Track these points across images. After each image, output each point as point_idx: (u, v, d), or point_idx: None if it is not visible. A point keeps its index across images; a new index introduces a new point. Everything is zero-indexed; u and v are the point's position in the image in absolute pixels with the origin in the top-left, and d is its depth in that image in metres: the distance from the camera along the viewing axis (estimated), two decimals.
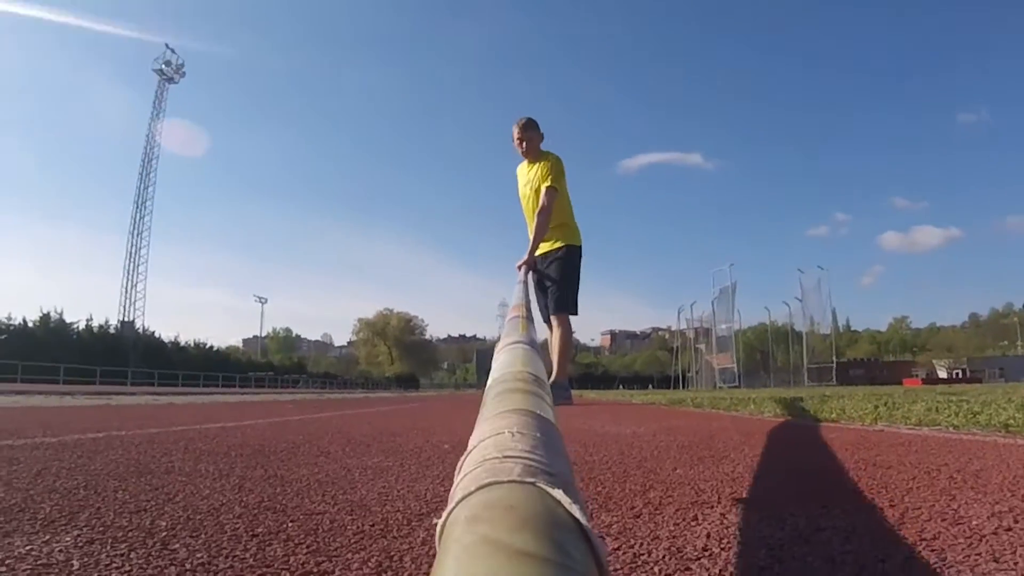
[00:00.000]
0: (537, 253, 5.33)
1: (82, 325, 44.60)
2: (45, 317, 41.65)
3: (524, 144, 5.26)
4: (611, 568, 0.75)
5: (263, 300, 74.38)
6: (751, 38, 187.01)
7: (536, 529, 0.29)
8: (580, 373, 78.55)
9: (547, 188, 5.11)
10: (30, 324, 40.42)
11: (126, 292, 49.14)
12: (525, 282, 2.47)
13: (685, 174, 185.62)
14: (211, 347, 56.89)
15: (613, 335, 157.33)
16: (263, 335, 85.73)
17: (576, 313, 5.49)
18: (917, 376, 49.50)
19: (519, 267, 5.06)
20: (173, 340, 51.96)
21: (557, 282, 5.35)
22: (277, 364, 65.27)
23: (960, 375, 50.78)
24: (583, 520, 0.32)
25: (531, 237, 5.23)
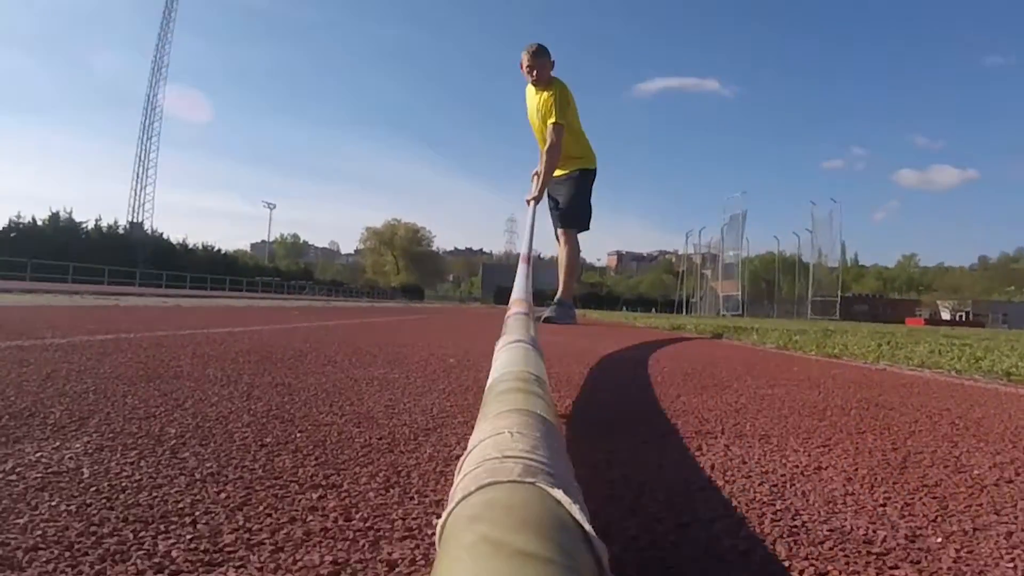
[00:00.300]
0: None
1: (91, 225, 44.72)
2: (54, 216, 41.71)
3: (535, 72, 5.16)
4: (621, 496, 0.76)
5: (271, 206, 74.34)
6: None
7: (536, 529, 0.29)
8: (584, 292, 79.09)
9: (554, 125, 5.06)
10: (39, 223, 40.53)
11: (135, 194, 49.15)
12: (527, 273, 2.43)
13: (701, 100, 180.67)
14: (219, 250, 57.14)
15: (620, 256, 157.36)
16: (271, 240, 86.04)
17: (587, 228, 5.51)
18: (920, 316, 49.70)
19: (528, 201, 5.03)
20: (181, 242, 52.17)
21: (566, 201, 5.35)
22: (284, 270, 65.75)
23: (963, 318, 50.93)
24: (583, 520, 0.32)
25: (541, 170, 5.19)
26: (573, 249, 5.45)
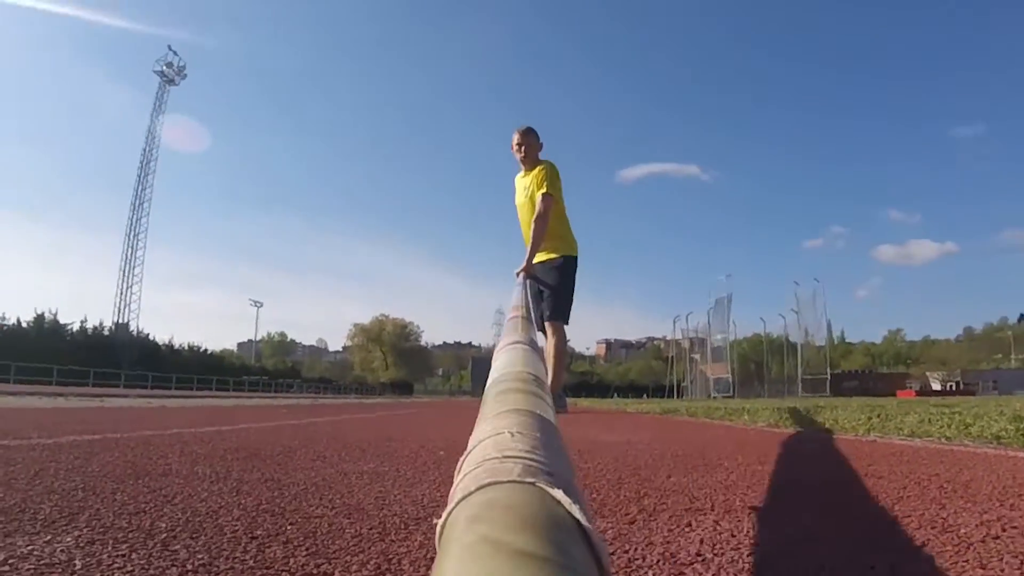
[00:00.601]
0: (535, 261, 5.36)
1: (76, 327, 44.42)
2: (39, 318, 41.45)
3: (523, 149, 5.30)
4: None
5: (258, 304, 74.20)
6: (748, 51, 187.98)
7: (536, 529, 0.29)
8: (575, 382, 78.51)
9: (543, 195, 5.14)
10: (24, 325, 40.22)
11: (121, 294, 49.01)
12: (524, 285, 2.48)
13: (683, 185, 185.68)
14: (205, 350, 56.66)
15: (608, 344, 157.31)
16: (257, 339, 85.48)
17: (567, 323, 5.52)
18: (911, 388, 49.64)
19: (517, 274, 5.08)
20: (167, 343, 51.77)
21: (554, 291, 5.38)
22: (271, 368, 65.07)
23: (954, 388, 50.91)
24: (583, 520, 0.31)
25: (528, 245, 5.25)
26: (561, 340, 5.46)
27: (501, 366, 0.80)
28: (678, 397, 39.21)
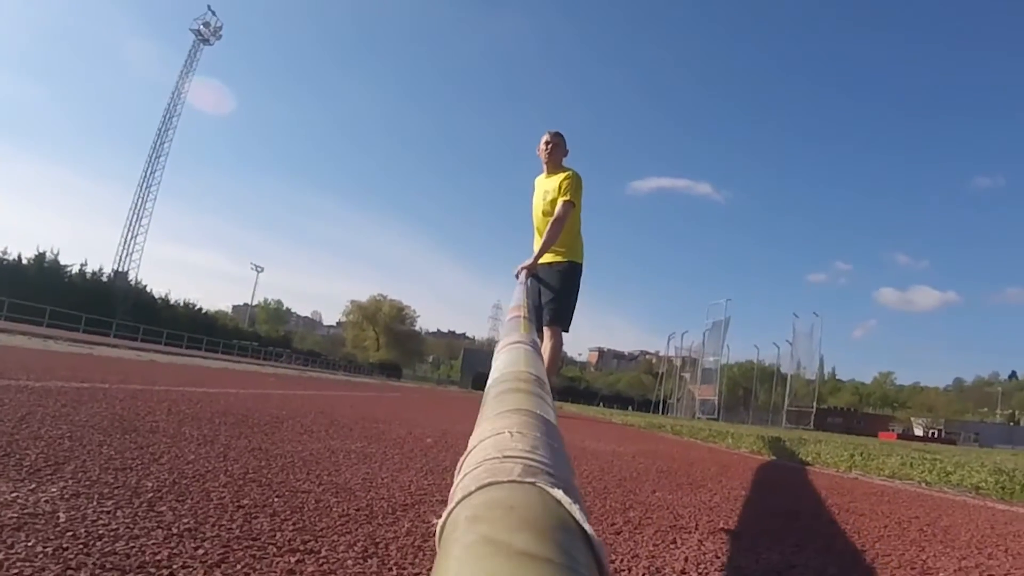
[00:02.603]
0: (540, 261, 5.36)
1: (75, 270, 44.31)
2: (40, 256, 41.27)
3: (551, 149, 5.31)
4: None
5: (259, 269, 73.96)
6: (773, 76, 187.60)
7: (536, 529, 0.29)
8: (564, 386, 78.48)
9: (565, 201, 5.16)
10: (24, 262, 40.09)
11: (125, 243, 48.95)
12: (526, 284, 2.49)
13: (693, 202, 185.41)
14: (200, 309, 56.52)
15: (601, 352, 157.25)
16: (253, 304, 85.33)
17: (567, 331, 5.51)
18: (893, 430, 49.76)
19: (520, 270, 5.08)
20: (163, 297, 51.57)
21: (556, 295, 5.38)
22: (263, 335, 64.89)
23: (935, 435, 51.01)
24: (583, 521, 0.31)
25: (538, 244, 5.25)
26: (558, 344, 5.44)
27: (502, 365, 0.79)
28: (663, 413, 39.28)
